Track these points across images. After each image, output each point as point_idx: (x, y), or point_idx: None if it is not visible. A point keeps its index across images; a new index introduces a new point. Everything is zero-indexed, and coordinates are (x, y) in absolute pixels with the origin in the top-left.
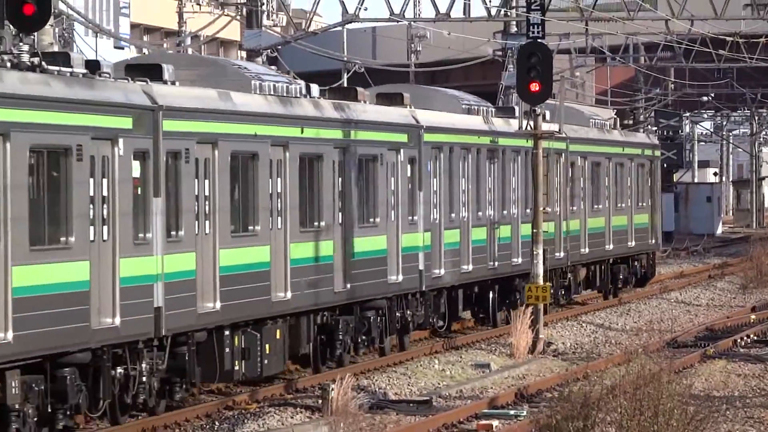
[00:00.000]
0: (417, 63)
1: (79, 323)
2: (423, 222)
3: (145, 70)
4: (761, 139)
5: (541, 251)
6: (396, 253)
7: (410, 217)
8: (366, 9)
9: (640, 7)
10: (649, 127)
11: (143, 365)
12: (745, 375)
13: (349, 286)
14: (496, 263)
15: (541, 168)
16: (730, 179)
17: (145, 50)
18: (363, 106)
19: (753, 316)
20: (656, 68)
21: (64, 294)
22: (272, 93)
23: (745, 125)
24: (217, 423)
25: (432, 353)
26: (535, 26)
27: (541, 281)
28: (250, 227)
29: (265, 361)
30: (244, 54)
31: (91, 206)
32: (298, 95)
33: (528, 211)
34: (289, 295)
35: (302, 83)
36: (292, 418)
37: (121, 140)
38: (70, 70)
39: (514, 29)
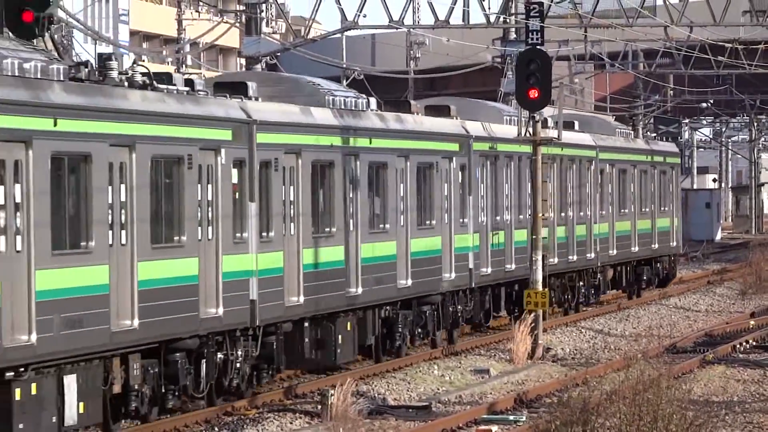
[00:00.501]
0: (416, 70)
1: (190, 313)
2: (472, 224)
3: (232, 87)
4: (760, 146)
5: (540, 257)
6: (450, 252)
7: (461, 220)
8: (365, 16)
9: (639, 14)
10: (648, 133)
11: (239, 352)
12: (744, 380)
13: (410, 282)
14: None
15: (540, 174)
16: (729, 185)
17: (144, 57)
18: (420, 117)
19: (752, 322)
20: (655, 75)
21: (178, 287)
22: (343, 107)
23: (744, 131)
24: (216, 428)
25: (431, 359)
26: (534, 33)
27: (540, 287)
28: (327, 229)
29: (339, 351)
30: (243, 61)
31: (199, 209)
32: (364, 109)
33: (562, 214)
34: (360, 290)
35: (366, 98)
36: (291, 423)
37: (223, 150)
38: (175, 87)
39: (513, 36)
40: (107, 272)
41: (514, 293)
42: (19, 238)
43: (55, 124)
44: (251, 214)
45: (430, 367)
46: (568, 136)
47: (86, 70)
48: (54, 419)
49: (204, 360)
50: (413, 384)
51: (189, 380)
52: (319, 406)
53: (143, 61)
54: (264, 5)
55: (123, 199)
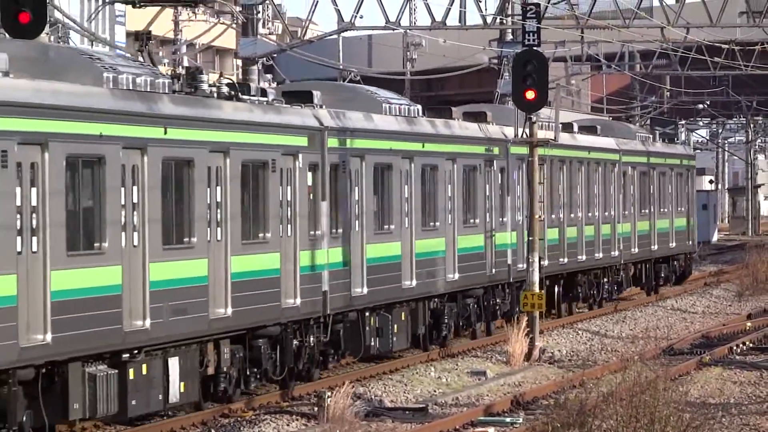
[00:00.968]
0: (413, 71)
1: (273, 302)
2: (510, 223)
3: (299, 96)
4: (757, 147)
5: (536, 258)
6: (491, 248)
7: (501, 219)
8: (362, 17)
9: (635, 15)
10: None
11: (311, 339)
12: (741, 382)
13: (457, 276)
14: (566, 260)
15: (537, 175)
16: (726, 187)
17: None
18: (465, 123)
19: (749, 324)
20: (652, 76)
21: (264, 279)
22: (398, 114)
23: (741, 133)
24: (213, 430)
25: (428, 361)
26: (531, 34)
27: (536, 288)
28: (386, 227)
29: (394, 339)
30: (239, 62)
31: (281, 209)
32: (416, 115)
33: (589, 214)
34: (414, 283)
35: (417, 105)
36: (288, 425)
37: (300, 155)
38: (257, 98)
39: (509, 37)
40: (206, 265)
41: (546, 288)
42: (136, 234)
43: (165, 133)
44: (323, 212)
45: (427, 369)
46: (592, 140)
47: (179, 82)
48: (160, 397)
49: (283, 346)
50: (410, 386)
51: (269, 364)
52: (316, 408)
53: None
54: (261, 6)
55: (219, 199)
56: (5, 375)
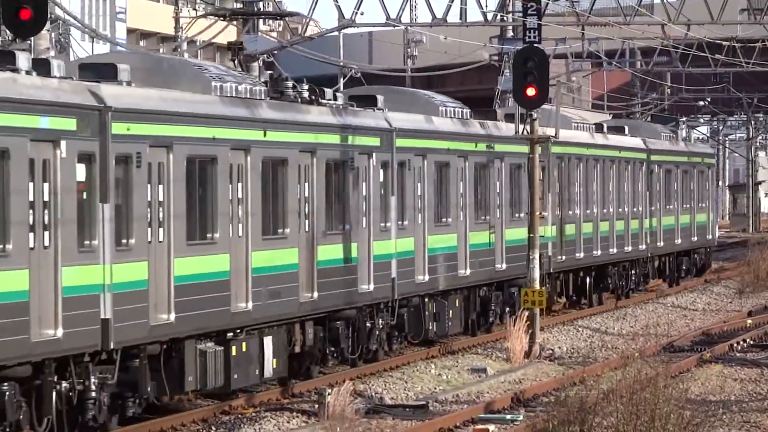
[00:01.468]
0: (413, 68)
1: (351, 288)
2: (550, 217)
3: (364, 100)
4: (757, 144)
5: (537, 255)
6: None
7: (542, 213)
8: (362, 14)
9: (636, 12)
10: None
11: (380, 321)
12: (742, 379)
13: (504, 266)
14: (599, 252)
15: (537, 172)
16: (727, 184)
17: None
18: (510, 125)
19: (749, 321)
20: (652, 73)
21: (344, 266)
22: (453, 116)
23: (742, 130)
24: (213, 427)
25: (428, 358)
26: (532, 31)
27: (537, 285)
28: (443, 219)
29: (449, 323)
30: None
31: (358, 203)
32: (467, 117)
33: (620, 210)
34: (468, 272)
35: (468, 108)
36: (288, 422)
37: (374, 155)
38: (333, 102)
39: (510, 34)
40: (297, 254)
41: (579, 279)
42: (240, 225)
43: (265, 135)
44: (392, 206)
45: (427, 366)
46: (623, 140)
47: (265, 89)
48: (257, 372)
49: (357, 327)
50: (410, 383)
51: (346, 344)
52: (317, 406)
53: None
54: (261, 3)
55: (307, 194)
56: (137, 350)
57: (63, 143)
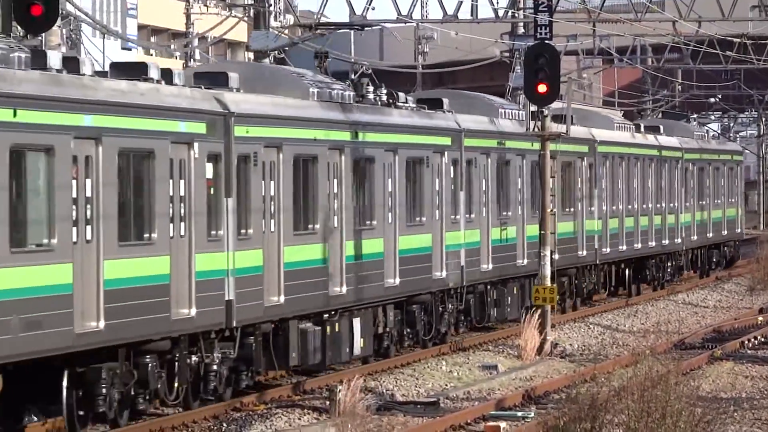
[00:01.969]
0: (424, 64)
1: (426, 275)
2: (597, 212)
3: (430, 103)
4: None
5: (548, 252)
6: (582, 234)
7: (590, 208)
8: (374, 9)
9: (647, 9)
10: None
11: (450, 306)
12: (753, 377)
13: (557, 256)
14: (639, 245)
15: (548, 169)
16: None
17: (152, 51)
18: (562, 125)
19: (760, 318)
20: (664, 69)
21: (420, 255)
22: (512, 118)
23: (753, 127)
24: (224, 424)
25: (439, 354)
26: (543, 27)
27: (548, 282)
28: (505, 213)
29: (508, 309)
30: (251, 55)
31: (432, 197)
32: (523, 119)
33: (659, 205)
34: (525, 261)
35: (523, 111)
36: (299, 419)
37: (446, 153)
38: (407, 105)
39: (521, 30)
40: (382, 244)
41: (620, 270)
42: (335, 218)
43: (356, 136)
44: (461, 201)
45: (438, 363)
46: (661, 140)
47: (354, 93)
48: (348, 350)
49: (431, 311)
50: (421, 380)
51: (421, 326)
52: (328, 402)
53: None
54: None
55: (390, 190)
56: (252, 328)
57: (196, 145)
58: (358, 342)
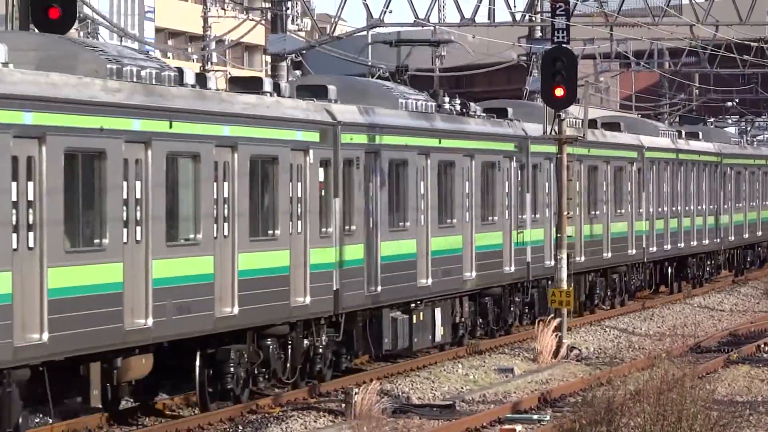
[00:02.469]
0: (441, 68)
1: (497, 269)
2: (645, 213)
3: (497, 112)
4: None
5: (564, 255)
6: (632, 233)
7: (639, 210)
8: (391, 12)
9: (664, 13)
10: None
11: (517, 299)
12: None
13: (610, 255)
14: (682, 245)
15: (565, 173)
16: None
17: (169, 54)
18: (617, 134)
19: None
20: (681, 73)
21: (493, 251)
22: (570, 126)
23: None
24: (240, 427)
25: (455, 357)
26: (560, 31)
27: (564, 286)
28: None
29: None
30: (268, 59)
31: (503, 198)
32: (579, 126)
33: (699, 207)
34: (583, 259)
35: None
36: (315, 422)
37: (514, 158)
38: (478, 114)
39: (538, 34)
40: (461, 240)
41: (663, 268)
42: (422, 216)
43: (440, 143)
44: (528, 202)
45: (454, 366)
46: (701, 145)
47: (435, 104)
48: (430, 336)
49: (502, 303)
50: (437, 383)
51: (492, 317)
52: (343, 405)
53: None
54: (290, 3)
55: (467, 191)
56: (354, 315)
57: (311, 151)
58: (439, 330)
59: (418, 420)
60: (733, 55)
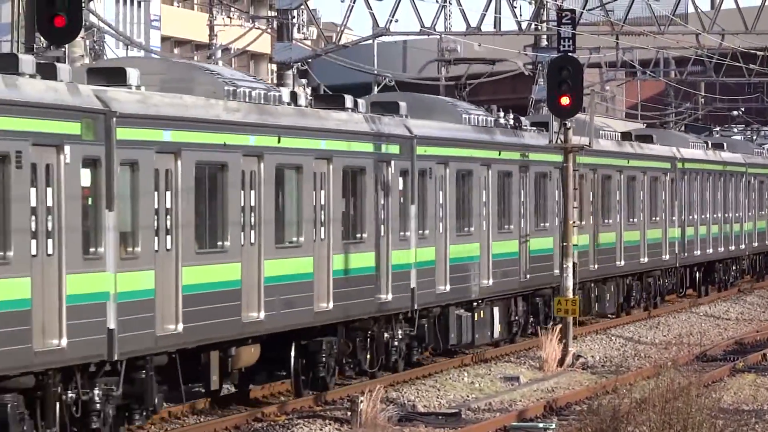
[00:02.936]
0: (447, 76)
1: (548, 272)
2: (677, 221)
3: (541, 125)
4: None
5: (570, 264)
6: (665, 239)
7: (672, 218)
8: (397, 21)
9: (670, 22)
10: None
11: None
12: None
13: (646, 260)
14: (711, 251)
15: (571, 180)
16: None
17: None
18: (649, 145)
19: None
20: (687, 82)
21: (544, 255)
22: (612, 139)
23: None
24: None
25: (461, 366)
26: (566, 40)
27: (570, 294)
28: (606, 221)
29: (607, 304)
30: (274, 67)
31: (555, 206)
32: (618, 140)
33: (726, 215)
34: (623, 263)
35: (618, 132)
36: (321, 430)
37: (555, 170)
38: (529, 128)
39: (544, 43)
40: (517, 244)
41: (692, 273)
42: (484, 222)
43: (499, 155)
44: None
45: (460, 374)
46: (728, 156)
47: (494, 118)
48: (489, 333)
49: (551, 304)
50: (443, 391)
51: (543, 315)
52: (349, 413)
53: None
54: (295, 11)
55: (522, 199)
56: (426, 311)
57: (392, 162)
58: (497, 327)
59: (423, 428)
60: (739, 64)
